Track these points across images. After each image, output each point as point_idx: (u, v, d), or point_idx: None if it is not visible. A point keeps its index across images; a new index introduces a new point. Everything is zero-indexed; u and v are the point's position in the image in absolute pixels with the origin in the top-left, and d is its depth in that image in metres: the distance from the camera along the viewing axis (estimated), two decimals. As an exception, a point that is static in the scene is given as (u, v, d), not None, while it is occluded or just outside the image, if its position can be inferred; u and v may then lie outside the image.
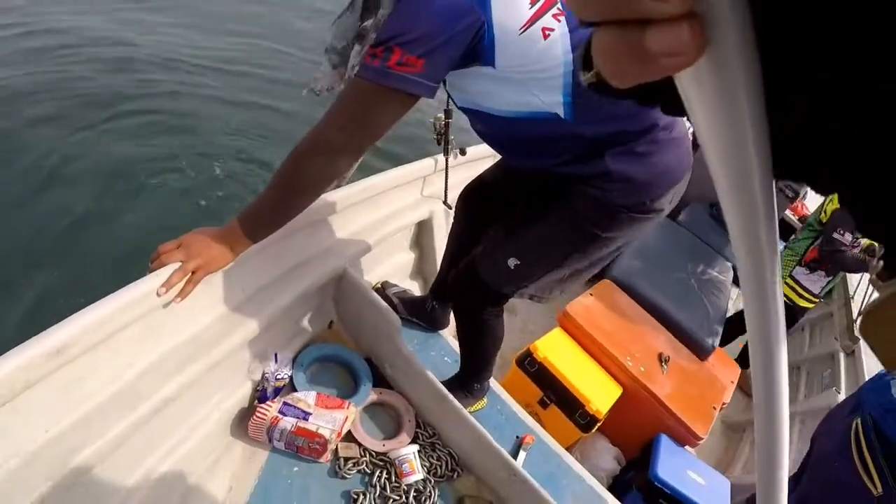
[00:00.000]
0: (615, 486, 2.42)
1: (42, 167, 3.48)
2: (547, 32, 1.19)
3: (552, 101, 1.25)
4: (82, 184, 3.47)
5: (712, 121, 0.23)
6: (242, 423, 1.58)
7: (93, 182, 3.51)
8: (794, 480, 1.82)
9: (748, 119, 0.22)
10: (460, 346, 1.86)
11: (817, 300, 3.48)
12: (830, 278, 3.46)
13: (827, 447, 1.84)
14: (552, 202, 1.47)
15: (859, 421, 1.66)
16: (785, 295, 3.39)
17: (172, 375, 1.33)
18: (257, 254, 1.47)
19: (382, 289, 2.15)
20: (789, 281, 3.44)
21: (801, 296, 3.43)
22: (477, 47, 1.17)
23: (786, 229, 5.34)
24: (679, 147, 1.40)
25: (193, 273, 1.30)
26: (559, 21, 1.21)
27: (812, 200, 5.57)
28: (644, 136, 1.32)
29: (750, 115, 0.22)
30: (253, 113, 4.77)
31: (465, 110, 1.44)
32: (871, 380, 2.02)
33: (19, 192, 3.26)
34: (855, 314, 3.95)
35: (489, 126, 1.44)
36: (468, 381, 1.89)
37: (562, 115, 1.26)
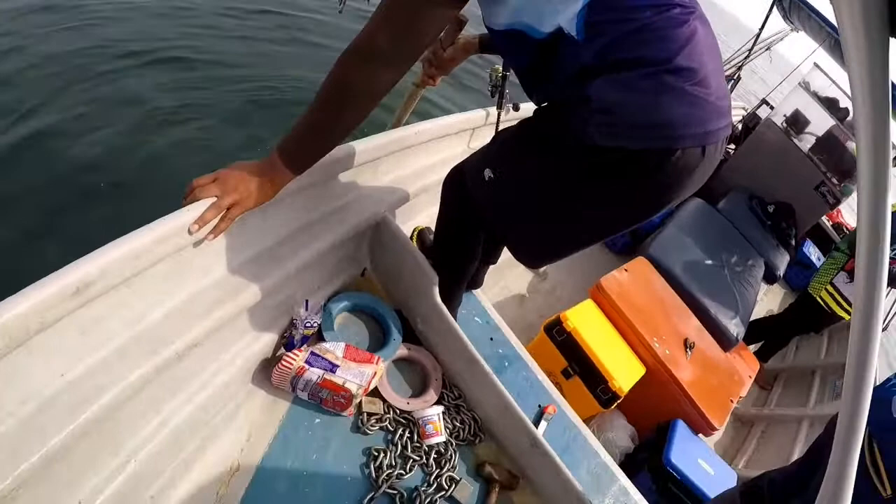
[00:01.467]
0: (627, 465, 2.33)
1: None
2: None
3: (569, 15, 1.06)
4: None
5: None
6: (266, 370, 1.45)
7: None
8: (807, 475, 1.70)
9: None
10: (434, 250, 1.71)
11: None
12: None
13: None
14: (533, 121, 1.31)
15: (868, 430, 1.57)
16: (825, 301, 3.24)
17: (199, 319, 1.20)
18: (295, 194, 1.32)
19: (420, 237, 2.00)
20: (829, 288, 3.26)
21: (839, 305, 3.24)
22: None
23: (822, 237, 5.14)
24: (694, 105, 1.07)
25: (229, 209, 1.15)
26: None
27: (848, 212, 5.34)
28: (651, 67, 1.05)
29: None
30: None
31: (493, 33, 1.24)
32: (875, 388, 1.91)
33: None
34: None
35: (511, 50, 1.25)
36: (448, 290, 1.71)
37: (574, 34, 1.06)
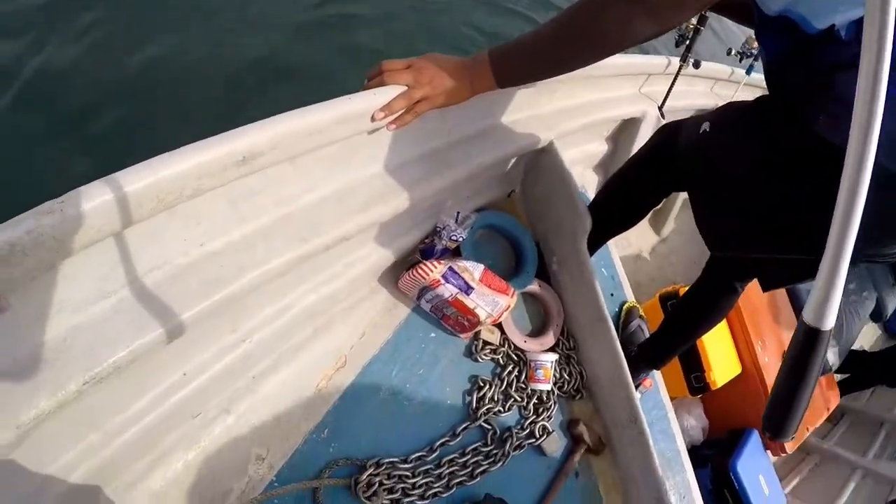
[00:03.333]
0: (690, 456, 2.23)
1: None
2: None
3: (847, 19, 0.88)
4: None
5: None
6: (393, 270, 1.36)
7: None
8: None
9: None
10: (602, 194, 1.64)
11: None
12: None
13: None
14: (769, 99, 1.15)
15: None
16: None
17: (354, 212, 1.08)
18: (474, 98, 1.16)
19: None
20: None
21: None
22: None
23: None
24: None
25: (417, 103, 1.02)
26: None
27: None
28: None
29: None
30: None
31: (762, 16, 1.02)
32: None
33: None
34: None
35: (774, 37, 1.04)
36: (596, 238, 1.58)
37: (843, 34, 0.89)
